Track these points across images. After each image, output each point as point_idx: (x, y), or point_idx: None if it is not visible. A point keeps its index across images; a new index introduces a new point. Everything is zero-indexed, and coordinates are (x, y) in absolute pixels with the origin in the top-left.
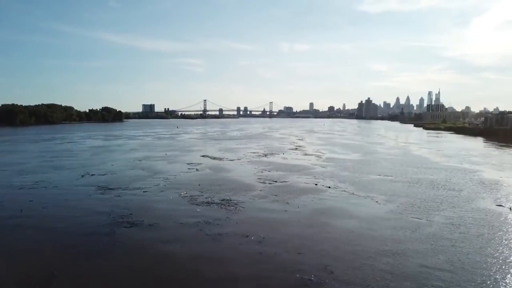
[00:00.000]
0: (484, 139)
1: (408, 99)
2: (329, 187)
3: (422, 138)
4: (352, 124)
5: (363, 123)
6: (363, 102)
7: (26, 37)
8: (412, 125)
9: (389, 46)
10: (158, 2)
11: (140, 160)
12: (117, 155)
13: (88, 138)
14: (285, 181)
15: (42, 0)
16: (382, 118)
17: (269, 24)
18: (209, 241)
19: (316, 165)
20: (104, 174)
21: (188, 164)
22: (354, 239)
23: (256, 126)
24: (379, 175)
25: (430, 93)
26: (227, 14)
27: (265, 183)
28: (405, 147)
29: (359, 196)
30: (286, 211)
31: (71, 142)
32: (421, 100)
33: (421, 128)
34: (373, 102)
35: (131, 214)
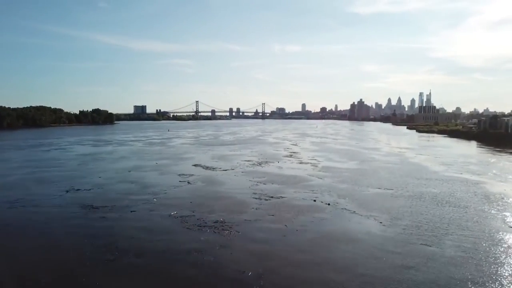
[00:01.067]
0: (479, 143)
1: (399, 100)
2: (329, 204)
3: (417, 142)
4: (345, 126)
5: (355, 125)
6: (355, 103)
7: (14, 38)
8: (405, 127)
9: (380, 47)
10: (149, 3)
11: (129, 171)
12: (106, 164)
13: (76, 144)
14: (281, 196)
15: (30, 0)
16: (374, 120)
17: (261, 26)
18: (200, 280)
19: (312, 175)
20: (90, 189)
21: (179, 175)
22: (362, 272)
23: (249, 129)
24: (379, 188)
25: (421, 94)
26: (219, 15)
27: (260, 198)
28: (401, 153)
29: (361, 215)
30: (284, 236)
31: (58, 148)
32: (412, 101)
33: (414, 130)
34: (365, 103)
35: (115, 243)
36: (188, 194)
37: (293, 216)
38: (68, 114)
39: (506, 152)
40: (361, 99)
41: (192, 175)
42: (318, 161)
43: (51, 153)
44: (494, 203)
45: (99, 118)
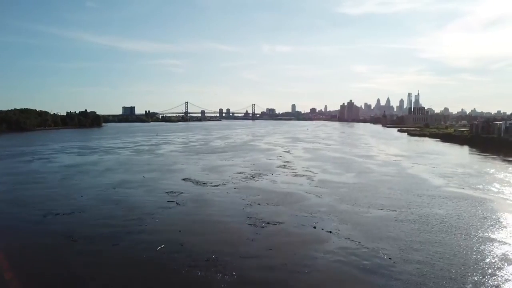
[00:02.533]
0: (473, 148)
1: (388, 100)
2: (330, 231)
3: (411, 148)
4: (335, 128)
5: (346, 127)
6: (345, 104)
7: (1, 37)
8: (396, 129)
9: (369, 48)
10: (137, 3)
11: (114, 188)
12: (90, 179)
13: (61, 152)
14: (278, 222)
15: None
16: (364, 121)
17: (251, 26)
18: None
19: (309, 192)
20: (71, 213)
21: (168, 193)
22: None
23: (240, 132)
24: (381, 210)
25: (409, 95)
26: (209, 15)
27: (256, 225)
28: (397, 162)
29: (368, 248)
30: (286, 281)
31: (41, 158)
32: (401, 101)
33: (406, 133)
34: (354, 104)
35: None
36: (177, 220)
37: (293, 251)
38: (54, 116)
39: (503, 160)
40: (350, 100)
41: (182, 192)
42: (313, 173)
43: (33, 165)
44: (509, 228)
45: (86, 120)
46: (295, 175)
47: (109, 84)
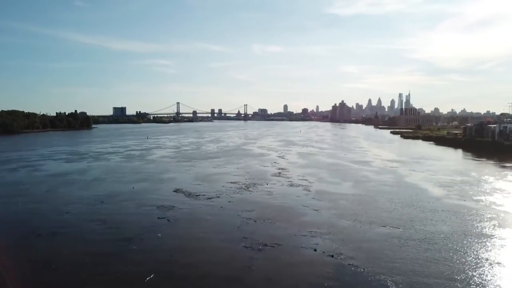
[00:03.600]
0: (468, 153)
1: (379, 101)
2: (332, 256)
3: (406, 152)
4: (328, 130)
5: (338, 128)
6: (337, 105)
7: None
8: (389, 131)
9: (360, 48)
10: (127, 2)
11: (102, 202)
12: (77, 191)
13: (48, 159)
14: (276, 244)
15: None
16: (356, 122)
17: (241, 26)
18: None
19: (306, 206)
20: (54, 234)
21: (158, 208)
22: None
23: (232, 134)
24: (384, 227)
25: (400, 95)
26: (199, 15)
27: (252, 248)
28: (394, 169)
29: (373, 277)
30: None
31: (27, 166)
32: (392, 101)
33: (399, 136)
34: (346, 104)
35: None
36: (168, 242)
37: (294, 280)
38: (42, 118)
39: (501, 167)
40: (342, 101)
41: (173, 207)
42: (310, 182)
43: (18, 174)
44: None
45: (75, 122)
46: (291, 185)
47: (100, 84)
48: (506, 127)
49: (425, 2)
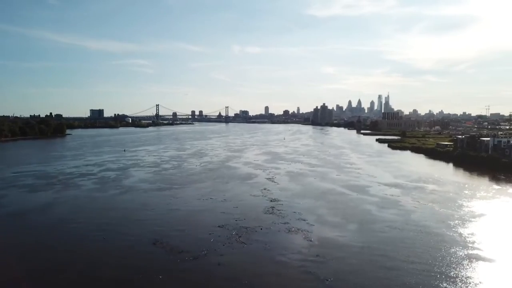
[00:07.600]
0: (461, 168)
1: (359, 102)
2: None
3: (401, 172)
4: (311, 136)
5: (321, 134)
6: (318, 107)
7: None
8: (374, 138)
9: (338, 50)
10: (101, 1)
11: (61, 266)
12: (33, 245)
13: (10, 185)
14: None
15: None
16: (338, 125)
17: (220, 26)
18: None
19: (312, 273)
20: None
21: (130, 275)
22: None
23: (215, 144)
24: None
25: (380, 97)
26: (174, 15)
27: None
28: (396, 200)
29: None
30: None
31: None
32: (372, 103)
33: (386, 145)
34: (327, 106)
35: None
36: None
37: None
38: (11, 125)
39: (502, 185)
40: (324, 104)
41: (149, 273)
42: (309, 224)
43: None
44: None
45: (47, 129)
46: (289, 231)
47: (76, 84)
48: (501, 141)
49: (401, 5)
